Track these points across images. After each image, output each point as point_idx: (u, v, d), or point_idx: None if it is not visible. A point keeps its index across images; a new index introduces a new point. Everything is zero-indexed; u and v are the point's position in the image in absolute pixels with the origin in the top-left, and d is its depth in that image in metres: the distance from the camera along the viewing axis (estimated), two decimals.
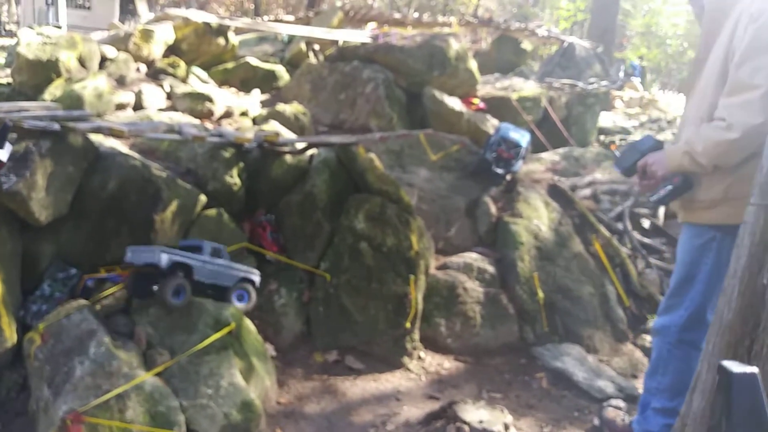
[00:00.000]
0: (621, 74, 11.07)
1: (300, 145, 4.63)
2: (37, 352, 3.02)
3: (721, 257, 2.62)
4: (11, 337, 3.16)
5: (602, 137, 8.03)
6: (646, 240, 5.32)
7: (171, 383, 3.02)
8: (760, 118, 2.33)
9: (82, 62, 5.38)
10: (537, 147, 6.54)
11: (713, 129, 2.50)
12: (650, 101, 10.74)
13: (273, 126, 5.20)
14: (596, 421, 3.50)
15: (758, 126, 2.33)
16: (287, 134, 5.06)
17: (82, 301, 3.25)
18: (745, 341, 2.21)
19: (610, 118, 8.56)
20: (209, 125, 5.15)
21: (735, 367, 0.98)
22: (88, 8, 19.75)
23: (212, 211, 4.08)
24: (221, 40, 6.92)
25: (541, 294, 4.46)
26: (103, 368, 2.85)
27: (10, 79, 5.46)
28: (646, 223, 5.48)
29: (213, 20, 6.91)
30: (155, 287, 3.33)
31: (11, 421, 3.01)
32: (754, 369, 0.97)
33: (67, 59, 5.18)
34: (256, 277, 3.78)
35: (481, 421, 3.08)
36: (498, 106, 6.91)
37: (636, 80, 10.64)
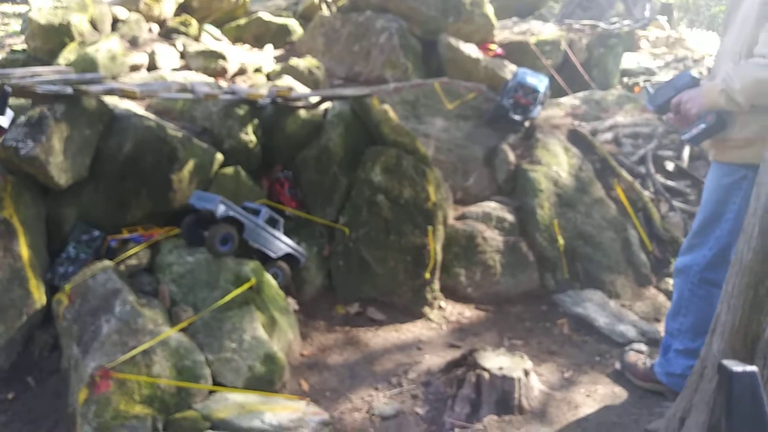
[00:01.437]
0: (646, 13, 10.65)
1: (313, 99, 4.59)
2: (65, 312, 3.11)
3: (750, 197, 2.57)
4: (40, 298, 3.26)
5: (625, 79, 7.77)
6: (670, 183, 5.22)
7: (196, 339, 3.10)
8: None
9: (94, 25, 5.35)
10: (557, 92, 6.37)
11: (753, 66, 2.40)
12: (677, 40, 10.34)
13: (286, 81, 5.15)
14: (617, 365, 3.52)
15: None
16: (301, 89, 5.01)
17: (107, 262, 3.32)
18: (766, 282, 2.18)
19: (634, 59, 8.25)
20: (223, 83, 5.12)
21: (735, 366, 0.98)
22: None
23: (230, 169, 4.09)
24: None
25: (561, 241, 4.43)
26: (128, 325, 2.93)
27: (25, 46, 5.48)
28: (669, 166, 5.35)
29: None
30: (206, 234, 3.43)
31: (45, 379, 3.13)
32: (754, 368, 0.97)
33: (79, 22, 5.16)
34: (302, 258, 3.89)
35: (501, 368, 3.11)
36: (516, 52, 6.72)
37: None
